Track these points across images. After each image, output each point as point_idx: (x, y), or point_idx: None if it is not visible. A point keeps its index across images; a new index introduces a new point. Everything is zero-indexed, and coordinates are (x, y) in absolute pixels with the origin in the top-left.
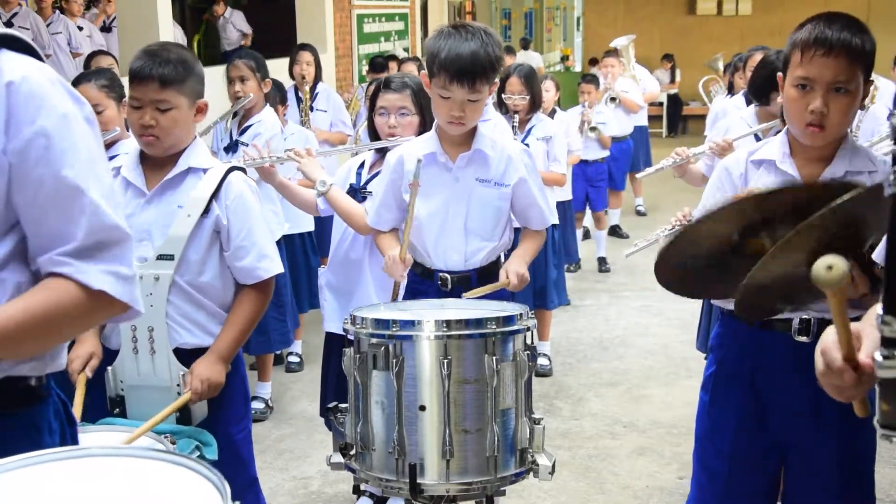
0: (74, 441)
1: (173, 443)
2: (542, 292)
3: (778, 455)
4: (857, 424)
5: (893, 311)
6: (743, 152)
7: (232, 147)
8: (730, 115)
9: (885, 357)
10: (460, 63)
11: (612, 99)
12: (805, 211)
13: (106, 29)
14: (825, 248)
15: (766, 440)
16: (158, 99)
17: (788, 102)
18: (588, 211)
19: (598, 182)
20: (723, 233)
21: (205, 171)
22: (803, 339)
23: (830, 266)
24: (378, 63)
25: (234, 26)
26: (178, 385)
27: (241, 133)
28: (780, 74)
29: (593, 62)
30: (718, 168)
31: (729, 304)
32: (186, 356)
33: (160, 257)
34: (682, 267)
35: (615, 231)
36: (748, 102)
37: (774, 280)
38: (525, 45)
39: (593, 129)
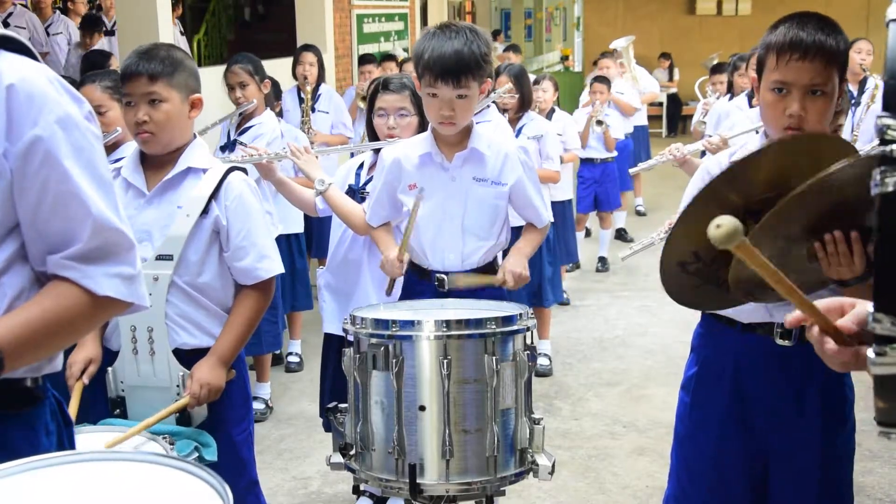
0: (71, 442)
1: (171, 444)
2: (537, 291)
3: (762, 457)
4: (837, 426)
5: (884, 307)
6: (724, 154)
7: (229, 146)
8: (732, 115)
9: (877, 354)
10: (444, 61)
11: (599, 123)
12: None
13: (109, 33)
14: (819, 223)
15: (749, 442)
16: (149, 92)
17: (765, 106)
18: (592, 213)
19: (606, 182)
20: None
21: (204, 171)
22: (785, 342)
23: (719, 224)
24: (366, 57)
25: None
26: (178, 386)
27: (241, 133)
28: (754, 77)
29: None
30: (700, 171)
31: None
32: (186, 357)
33: (159, 258)
34: (680, 277)
35: (620, 234)
36: (751, 102)
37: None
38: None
39: (599, 122)
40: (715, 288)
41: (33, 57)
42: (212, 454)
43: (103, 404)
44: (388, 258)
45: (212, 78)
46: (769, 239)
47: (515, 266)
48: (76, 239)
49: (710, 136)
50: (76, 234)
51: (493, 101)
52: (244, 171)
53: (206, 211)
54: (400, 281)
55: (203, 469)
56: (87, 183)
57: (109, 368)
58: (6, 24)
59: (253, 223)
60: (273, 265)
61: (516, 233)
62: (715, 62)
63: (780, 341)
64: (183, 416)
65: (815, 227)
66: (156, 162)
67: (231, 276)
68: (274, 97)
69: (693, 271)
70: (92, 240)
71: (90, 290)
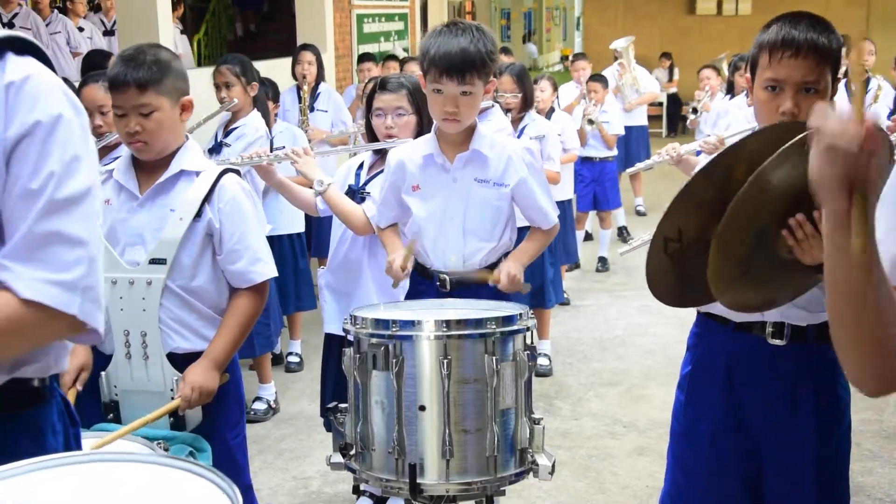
0: (77, 442)
1: (166, 449)
2: (539, 292)
3: (755, 457)
4: (832, 425)
5: None
6: None
7: (216, 149)
8: (731, 114)
9: None
10: (450, 58)
11: (591, 122)
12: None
13: (109, 32)
14: (782, 214)
15: (743, 441)
16: (139, 104)
17: (759, 104)
18: (592, 213)
19: (605, 181)
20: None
21: (197, 173)
22: (777, 342)
23: None
24: (365, 56)
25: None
26: (172, 390)
27: (227, 135)
28: (747, 77)
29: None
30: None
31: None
32: (180, 361)
33: (152, 261)
34: (665, 277)
35: (619, 233)
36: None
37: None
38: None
39: (591, 121)
40: (678, 281)
41: (45, 59)
42: (207, 459)
43: (97, 408)
44: (393, 266)
45: (211, 78)
46: (736, 241)
47: (512, 268)
48: (17, 233)
49: (708, 136)
50: (19, 228)
51: (496, 101)
52: (237, 172)
53: (199, 214)
54: (405, 282)
55: (210, 470)
56: (56, 182)
57: (103, 373)
58: (11, 25)
59: (247, 226)
60: (267, 268)
61: (523, 233)
62: (724, 62)
63: (772, 340)
64: (177, 420)
65: (780, 219)
66: (148, 164)
67: (225, 280)
68: (272, 99)
69: (671, 252)
70: (30, 238)
71: (14, 291)
